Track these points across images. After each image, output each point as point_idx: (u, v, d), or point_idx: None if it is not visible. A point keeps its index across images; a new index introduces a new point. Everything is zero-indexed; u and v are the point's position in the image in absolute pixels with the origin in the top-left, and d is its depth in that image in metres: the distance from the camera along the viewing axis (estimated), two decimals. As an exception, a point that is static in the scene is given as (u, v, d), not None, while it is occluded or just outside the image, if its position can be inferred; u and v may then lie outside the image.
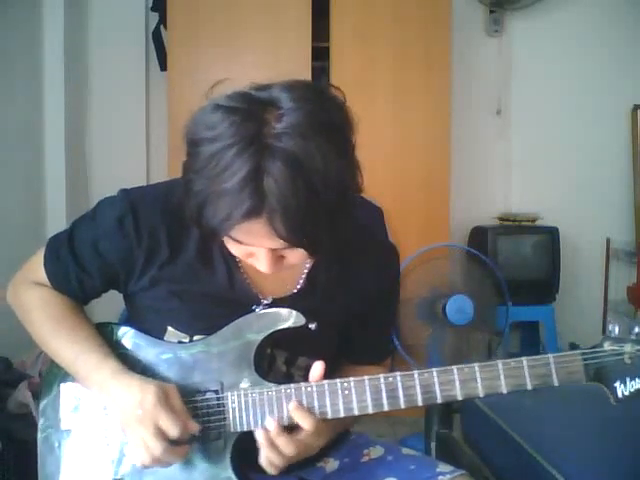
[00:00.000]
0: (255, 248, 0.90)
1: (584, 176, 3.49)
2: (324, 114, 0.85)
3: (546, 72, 3.47)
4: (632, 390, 0.90)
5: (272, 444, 0.95)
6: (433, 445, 1.91)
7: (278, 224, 0.83)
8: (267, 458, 0.96)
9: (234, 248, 0.94)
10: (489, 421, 1.61)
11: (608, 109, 3.49)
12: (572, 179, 3.49)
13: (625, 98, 3.49)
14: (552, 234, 3.22)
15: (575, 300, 3.37)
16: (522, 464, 1.43)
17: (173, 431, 0.94)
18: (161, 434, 0.94)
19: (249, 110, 0.84)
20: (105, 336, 1.08)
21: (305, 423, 0.95)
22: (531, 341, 3.28)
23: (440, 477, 1.07)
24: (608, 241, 3.47)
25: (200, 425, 0.98)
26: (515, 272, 3.05)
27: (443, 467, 1.10)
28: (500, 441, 1.55)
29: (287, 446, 0.94)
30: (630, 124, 3.52)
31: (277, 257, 0.92)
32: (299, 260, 0.93)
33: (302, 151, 0.81)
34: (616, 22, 3.47)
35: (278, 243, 0.86)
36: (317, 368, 0.97)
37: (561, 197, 3.48)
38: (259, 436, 0.96)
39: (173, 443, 0.95)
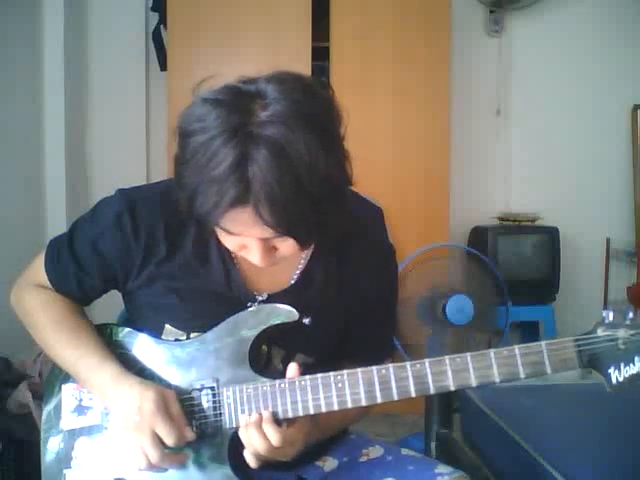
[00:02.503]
0: (246, 239, 0.91)
1: (584, 176, 3.49)
2: (309, 105, 0.86)
3: (546, 72, 3.47)
4: (627, 376, 0.88)
5: (260, 427, 0.95)
6: (433, 445, 1.91)
7: (264, 211, 0.84)
8: (252, 444, 0.95)
9: (227, 240, 0.95)
10: (489, 421, 1.61)
11: (608, 109, 3.49)
12: (572, 179, 3.49)
13: (625, 98, 3.49)
14: (552, 234, 3.22)
15: (575, 300, 3.37)
16: (522, 464, 1.43)
17: (169, 439, 0.95)
18: (158, 441, 0.95)
19: (236, 102, 0.85)
20: (104, 337, 1.09)
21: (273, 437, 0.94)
22: (531, 341, 3.25)
23: (439, 478, 1.07)
24: (608, 241, 3.47)
25: (196, 429, 0.99)
26: (515, 272, 3.05)
27: (442, 468, 1.10)
28: (500, 441, 1.55)
29: (274, 434, 0.94)
30: (630, 124, 3.52)
31: (269, 248, 0.92)
32: (291, 251, 0.93)
33: (286, 139, 0.82)
34: (616, 22, 3.47)
35: (267, 232, 0.87)
36: (291, 369, 0.98)
37: (561, 197, 3.49)
38: (251, 417, 0.96)
39: (170, 450, 0.96)
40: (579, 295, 3.42)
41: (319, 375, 0.96)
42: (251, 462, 0.97)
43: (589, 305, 3.42)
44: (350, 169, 0.92)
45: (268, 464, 0.99)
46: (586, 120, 3.49)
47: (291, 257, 0.97)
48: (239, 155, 0.82)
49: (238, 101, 0.85)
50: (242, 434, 0.97)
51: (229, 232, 0.90)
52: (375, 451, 1.18)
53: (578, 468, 1.32)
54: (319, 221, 0.88)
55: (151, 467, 0.97)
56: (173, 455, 0.97)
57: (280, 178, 0.82)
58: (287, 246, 0.92)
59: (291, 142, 0.82)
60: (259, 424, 0.95)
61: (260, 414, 0.96)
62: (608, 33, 3.47)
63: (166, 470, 0.99)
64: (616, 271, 3.49)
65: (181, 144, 0.90)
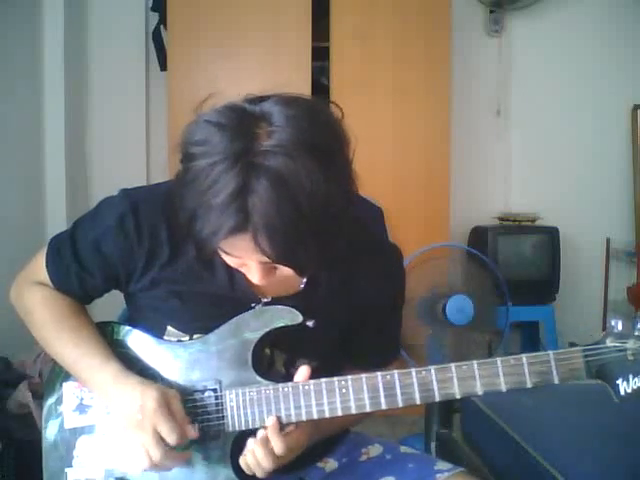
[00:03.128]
0: (246, 260, 0.91)
1: (584, 176, 3.49)
2: (315, 132, 0.85)
3: (546, 72, 3.47)
4: (635, 387, 0.87)
5: (267, 442, 0.95)
6: (433, 445, 1.91)
7: (263, 241, 0.83)
8: (255, 457, 0.95)
9: (227, 259, 0.94)
10: (489, 421, 1.61)
11: (608, 109, 3.49)
12: (572, 179, 3.49)
13: (625, 98, 3.49)
14: (552, 234, 3.22)
15: (575, 300, 3.37)
16: (522, 464, 1.43)
17: (171, 438, 0.95)
18: (160, 440, 0.95)
19: (239, 126, 0.84)
20: (106, 335, 1.09)
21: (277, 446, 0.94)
22: (531, 341, 3.28)
23: (438, 475, 1.07)
24: (608, 241, 3.47)
25: (198, 431, 0.98)
26: (515, 272, 3.05)
27: (442, 465, 1.10)
28: (500, 441, 1.55)
29: (279, 445, 0.94)
30: (630, 124, 3.52)
31: (269, 269, 0.92)
32: (291, 273, 0.92)
33: (288, 170, 0.81)
34: (616, 22, 3.47)
35: (266, 258, 0.87)
36: (302, 372, 0.97)
37: (561, 197, 3.48)
38: (257, 434, 0.96)
39: (173, 448, 0.96)
40: (579, 295, 3.42)
41: (323, 380, 0.96)
42: (246, 469, 0.97)
43: (589, 305, 3.42)
44: (355, 191, 0.91)
45: None
46: (586, 120, 3.49)
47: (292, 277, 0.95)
48: (240, 184, 0.81)
49: (242, 125, 0.84)
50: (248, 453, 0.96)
51: (229, 254, 0.90)
52: (374, 450, 1.18)
53: (578, 468, 1.32)
54: (320, 249, 0.87)
55: (154, 466, 0.96)
56: (176, 454, 0.97)
57: (280, 210, 0.81)
58: (287, 269, 0.91)
59: (293, 173, 0.81)
60: (266, 440, 0.95)
61: (266, 435, 0.95)
62: (608, 33, 3.47)
63: (169, 469, 0.98)
64: (616, 271, 3.49)
65: (183, 165, 0.88)
